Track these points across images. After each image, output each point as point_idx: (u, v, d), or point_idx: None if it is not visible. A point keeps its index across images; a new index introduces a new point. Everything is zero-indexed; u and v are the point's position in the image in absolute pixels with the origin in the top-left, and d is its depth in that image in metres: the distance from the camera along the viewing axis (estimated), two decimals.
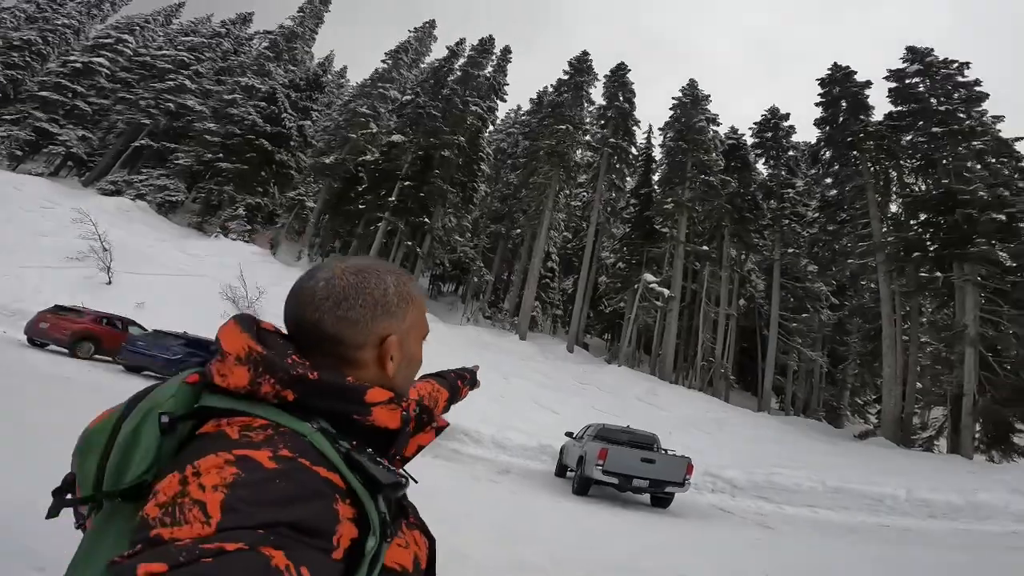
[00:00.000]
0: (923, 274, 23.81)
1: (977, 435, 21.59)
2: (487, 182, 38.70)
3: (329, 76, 49.50)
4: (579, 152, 35.12)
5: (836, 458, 16.05)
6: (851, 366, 32.69)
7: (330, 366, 0.63)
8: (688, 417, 19.79)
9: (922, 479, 12.33)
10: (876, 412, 31.83)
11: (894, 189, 28.05)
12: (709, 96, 34.41)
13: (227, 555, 0.42)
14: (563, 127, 32.73)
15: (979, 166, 23.88)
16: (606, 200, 34.47)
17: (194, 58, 39.16)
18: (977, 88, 25.21)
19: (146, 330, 14.35)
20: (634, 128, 35.23)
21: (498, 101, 38.74)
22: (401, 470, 0.65)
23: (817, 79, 30.45)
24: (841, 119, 28.99)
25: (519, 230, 35.45)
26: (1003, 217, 21.75)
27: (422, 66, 44.66)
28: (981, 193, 22.18)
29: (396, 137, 34.60)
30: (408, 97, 37.21)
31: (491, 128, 41.16)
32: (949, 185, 23.28)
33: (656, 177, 36.73)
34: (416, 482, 0.67)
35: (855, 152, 27.86)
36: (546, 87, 37.73)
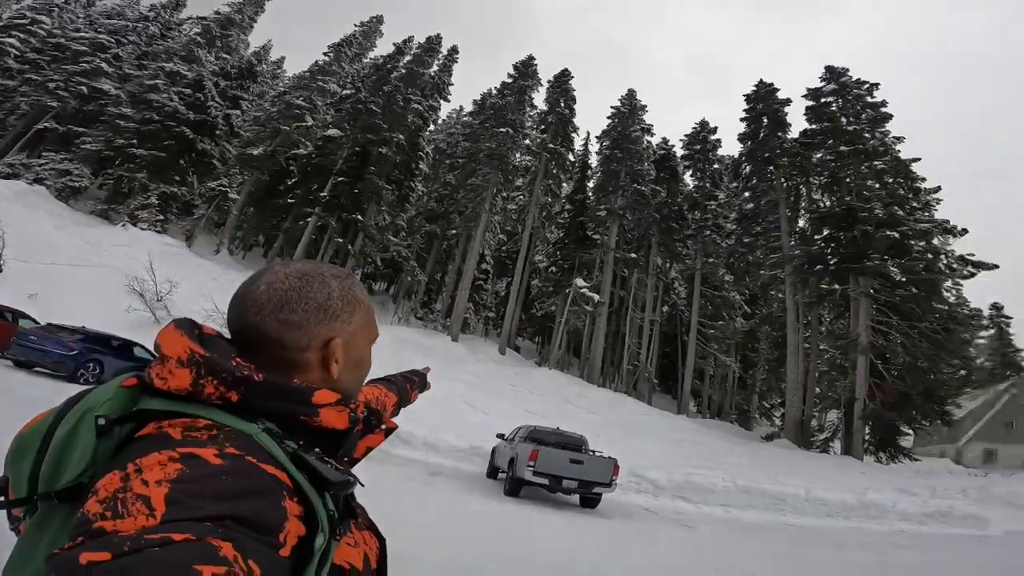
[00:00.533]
0: (824, 286, 25.29)
1: (867, 437, 23.53)
2: (424, 181, 38.27)
3: (265, 66, 47.51)
4: (518, 156, 35.39)
5: (746, 459, 17.13)
6: (760, 371, 34.98)
7: (275, 369, 0.64)
8: (615, 419, 20.47)
9: (819, 479, 13.40)
10: (780, 415, 34.27)
11: (803, 205, 29.73)
12: (646, 106, 35.59)
13: (174, 544, 0.42)
14: (504, 130, 32.84)
15: (878, 185, 25.39)
16: (542, 204, 34.93)
17: (115, 41, 36.62)
18: (883, 109, 26.88)
19: (39, 323, 13.00)
20: (573, 135, 35.89)
21: (441, 101, 38.59)
22: (350, 471, 0.65)
23: (744, 95, 31.91)
24: (762, 135, 30.44)
25: (455, 231, 35.24)
26: (896, 235, 23.42)
27: (365, 61, 43.61)
28: (878, 211, 23.72)
29: (332, 131, 33.62)
30: (348, 91, 36.26)
31: (432, 127, 40.86)
32: (850, 203, 24.81)
33: (591, 184, 37.60)
34: (363, 485, 0.66)
35: (772, 168, 29.38)
36: (490, 89, 37.86)
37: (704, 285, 32.63)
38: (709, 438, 21.07)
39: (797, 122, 29.70)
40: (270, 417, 0.60)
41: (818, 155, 27.95)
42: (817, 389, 26.83)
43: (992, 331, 45.03)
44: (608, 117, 35.76)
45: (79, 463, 0.56)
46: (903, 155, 26.25)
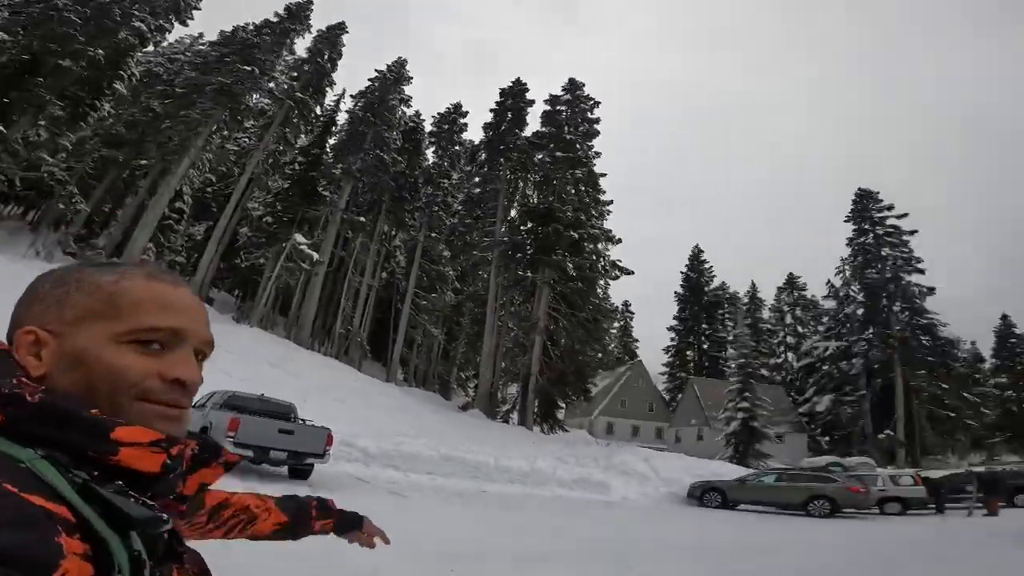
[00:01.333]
0: (519, 272, 29.15)
1: (536, 409, 28.15)
2: (118, 104, 30.27)
3: None
4: (256, 97, 31.63)
5: (447, 427, 18.68)
6: (461, 344, 38.56)
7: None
8: (324, 385, 19.79)
9: (504, 448, 15.34)
10: (475, 386, 38.48)
11: (518, 198, 33.48)
12: (412, 78, 35.64)
13: None
14: (248, 68, 29.06)
15: (574, 191, 29.96)
16: (271, 151, 31.51)
17: None
18: (596, 126, 32.01)
19: None
20: (327, 89, 34.13)
21: (176, 24, 31.18)
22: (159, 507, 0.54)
23: (500, 89, 34.20)
24: (503, 128, 33.18)
25: (146, 161, 28.87)
26: (576, 236, 28.33)
27: None
28: (569, 214, 28.27)
29: None
30: None
31: (151, 48, 33.02)
32: (552, 203, 29.02)
33: (332, 141, 35.73)
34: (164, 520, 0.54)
35: (502, 160, 32.41)
36: (248, 23, 32.08)
37: (424, 257, 34.17)
38: (415, 406, 22.26)
39: (538, 123, 32.85)
40: (55, 446, 0.49)
41: (539, 156, 31.58)
42: (503, 364, 30.42)
43: (620, 323, 59.58)
44: (370, 80, 34.67)
45: None
46: (597, 169, 31.69)
